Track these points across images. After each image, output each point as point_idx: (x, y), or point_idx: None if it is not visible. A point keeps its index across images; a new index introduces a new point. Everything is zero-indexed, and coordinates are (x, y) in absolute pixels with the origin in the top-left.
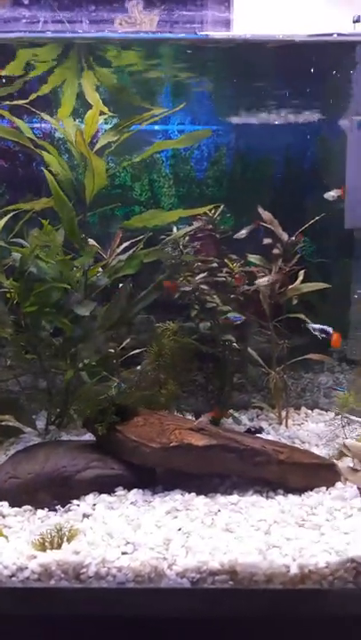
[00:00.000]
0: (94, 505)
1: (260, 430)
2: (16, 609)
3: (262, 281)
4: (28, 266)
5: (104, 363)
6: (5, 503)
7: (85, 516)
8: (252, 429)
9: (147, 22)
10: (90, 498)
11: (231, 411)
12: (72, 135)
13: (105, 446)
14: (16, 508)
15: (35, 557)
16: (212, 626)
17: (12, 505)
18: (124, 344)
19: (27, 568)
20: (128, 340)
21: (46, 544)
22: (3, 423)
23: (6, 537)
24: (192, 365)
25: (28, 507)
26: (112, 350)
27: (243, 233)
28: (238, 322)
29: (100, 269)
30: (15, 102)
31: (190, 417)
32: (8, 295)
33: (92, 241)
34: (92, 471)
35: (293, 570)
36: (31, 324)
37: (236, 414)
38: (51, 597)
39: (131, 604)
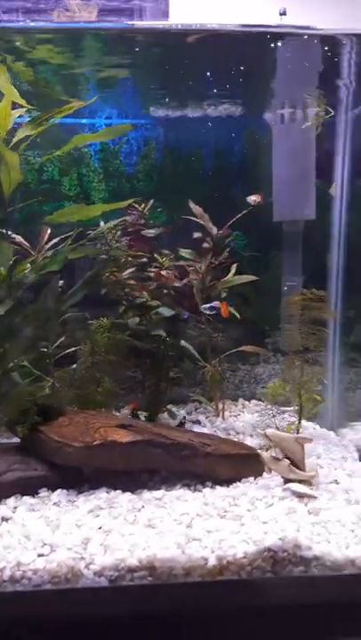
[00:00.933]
0: (15, 508)
1: (184, 422)
2: None
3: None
4: None
5: (37, 362)
6: None
7: (4, 519)
8: (182, 421)
9: (85, 14)
10: (11, 501)
11: (170, 405)
12: None
13: (28, 448)
14: None
15: None
16: (132, 622)
17: None
18: (58, 342)
19: None
20: (62, 339)
21: None
22: None
23: None
24: (128, 362)
25: None
26: (45, 349)
27: (151, 232)
28: (168, 315)
29: (29, 266)
30: None
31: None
32: None
33: (19, 237)
34: (14, 473)
35: (212, 562)
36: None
37: (173, 409)
38: None
39: (47, 606)
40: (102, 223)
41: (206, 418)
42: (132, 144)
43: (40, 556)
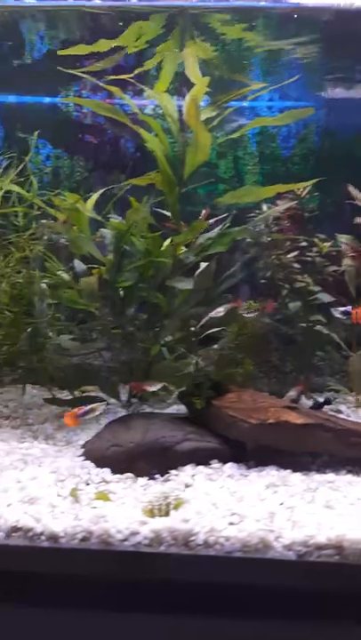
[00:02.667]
0: (193, 476)
1: (329, 401)
2: (126, 572)
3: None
4: (124, 242)
5: (183, 340)
6: (107, 470)
7: (187, 486)
8: (319, 403)
9: None
10: (188, 469)
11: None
12: (170, 110)
13: (199, 420)
14: (118, 475)
15: (146, 523)
16: (314, 598)
17: (113, 472)
18: (203, 322)
19: (139, 533)
20: (207, 319)
21: (155, 511)
22: (91, 394)
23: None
24: (271, 346)
25: (130, 474)
26: (192, 328)
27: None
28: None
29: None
30: (119, 77)
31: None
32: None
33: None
34: (190, 443)
35: None
36: (123, 299)
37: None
38: (161, 562)
39: (237, 573)
40: (265, 207)
41: (348, 408)
42: (290, 127)
43: (231, 524)
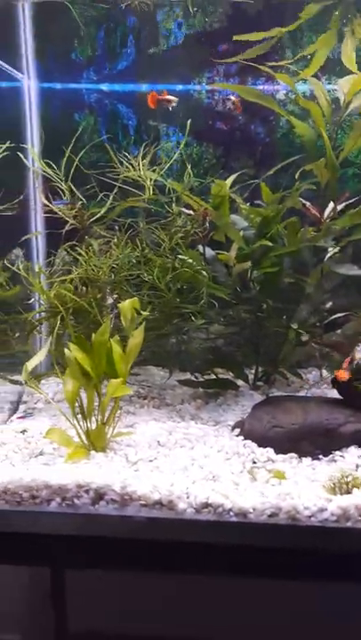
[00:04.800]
0: (359, 457)
1: None
2: (315, 547)
3: None
4: (270, 229)
5: (309, 325)
6: (271, 449)
7: (358, 466)
8: None
9: None
10: (353, 450)
11: None
12: (323, 94)
13: (355, 403)
14: (282, 455)
15: (331, 501)
16: None
17: (276, 452)
18: (327, 307)
19: (326, 510)
20: (330, 304)
21: (336, 489)
22: (220, 376)
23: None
24: None
25: (293, 454)
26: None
27: None
28: None
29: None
30: (280, 63)
31: None
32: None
33: (308, 203)
34: (352, 425)
35: None
36: (262, 285)
37: None
38: (349, 537)
39: None
40: None
41: None
42: None
43: None
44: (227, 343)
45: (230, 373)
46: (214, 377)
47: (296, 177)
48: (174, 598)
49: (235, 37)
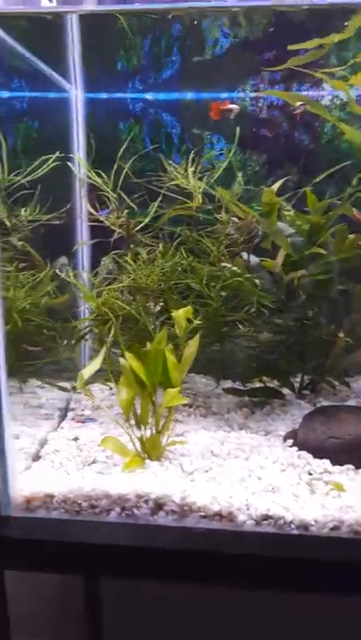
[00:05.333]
0: None
1: None
2: None
3: None
4: (320, 237)
5: (355, 333)
6: (327, 461)
7: None
8: None
9: None
10: None
11: None
12: None
13: None
14: (338, 467)
15: None
16: None
17: (333, 463)
18: None
19: None
20: None
21: None
22: (266, 384)
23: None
24: None
25: (350, 465)
26: None
27: None
28: None
29: None
30: (331, 70)
31: None
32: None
33: (356, 210)
34: None
35: None
36: (310, 292)
37: None
38: None
39: None
40: None
41: None
42: None
43: None
44: (273, 351)
45: (276, 382)
46: (260, 385)
47: (353, 183)
48: (234, 613)
49: (289, 47)
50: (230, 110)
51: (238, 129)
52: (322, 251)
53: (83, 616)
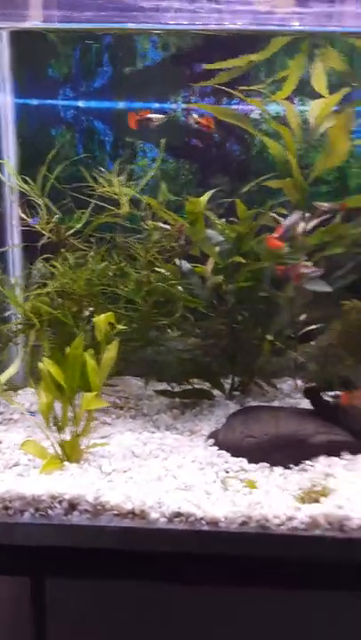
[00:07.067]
0: (330, 466)
1: None
2: (284, 554)
3: None
4: (244, 245)
5: (283, 336)
6: (244, 459)
7: (327, 475)
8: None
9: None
10: (322, 460)
11: None
12: (295, 116)
13: (325, 414)
14: (254, 465)
15: (299, 509)
16: None
17: (249, 461)
18: (301, 319)
19: (295, 518)
20: (304, 316)
21: (305, 498)
22: (196, 386)
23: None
24: None
25: (265, 464)
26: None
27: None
28: None
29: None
30: (252, 87)
31: None
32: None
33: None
34: (323, 436)
35: None
36: (237, 298)
37: None
38: (315, 545)
39: None
40: None
41: None
42: None
43: None
44: (203, 354)
45: (207, 384)
46: (190, 387)
47: (267, 194)
48: (147, 606)
49: (207, 66)
50: (150, 119)
51: (164, 139)
52: (242, 260)
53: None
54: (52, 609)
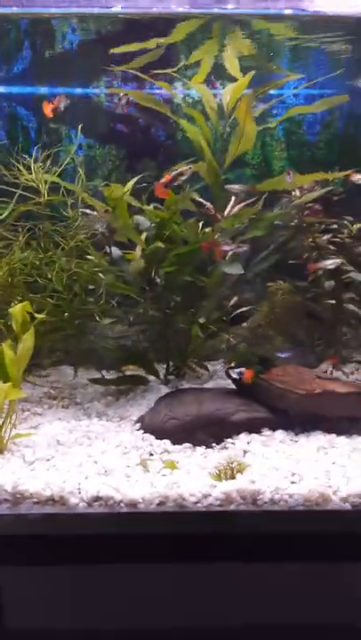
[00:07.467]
0: (249, 443)
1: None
2: (200, 530)
3: None
4: (167, 230)
5: (215, 319)
6: (167, 441)
7: (245, 452)
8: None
9: None
10: (243, 437)
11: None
12: (210, 100)
13: (247, 393)
14: (177, 446)
15: (215, 486)
16: None
17: (173, 443)
18: (232, 302)
19: (210, 495)
20: (236, 299)
21: (221, 475)
22: (132, 373)
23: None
24: (302, 323)
25: (188, 444)
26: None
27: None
28: None
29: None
30: (164, 71)
31: None
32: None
33: (208, 204)
34: (243, 414)
35: None
36: (166, 283)
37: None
38: (230, 519)
39: (302, 524)
40: (297, 191)
41: None
42: (316, 114)
43: (292, 483)
44: (137, 340)
45: (142, 369)
46: (124, 374)
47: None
48: (73, 590)
49: (112, 50)
50: (58, 102)
51: (91, 124)
52: (161, 245)
53: None
54: None
